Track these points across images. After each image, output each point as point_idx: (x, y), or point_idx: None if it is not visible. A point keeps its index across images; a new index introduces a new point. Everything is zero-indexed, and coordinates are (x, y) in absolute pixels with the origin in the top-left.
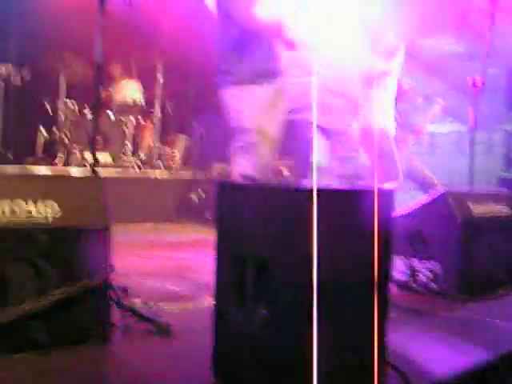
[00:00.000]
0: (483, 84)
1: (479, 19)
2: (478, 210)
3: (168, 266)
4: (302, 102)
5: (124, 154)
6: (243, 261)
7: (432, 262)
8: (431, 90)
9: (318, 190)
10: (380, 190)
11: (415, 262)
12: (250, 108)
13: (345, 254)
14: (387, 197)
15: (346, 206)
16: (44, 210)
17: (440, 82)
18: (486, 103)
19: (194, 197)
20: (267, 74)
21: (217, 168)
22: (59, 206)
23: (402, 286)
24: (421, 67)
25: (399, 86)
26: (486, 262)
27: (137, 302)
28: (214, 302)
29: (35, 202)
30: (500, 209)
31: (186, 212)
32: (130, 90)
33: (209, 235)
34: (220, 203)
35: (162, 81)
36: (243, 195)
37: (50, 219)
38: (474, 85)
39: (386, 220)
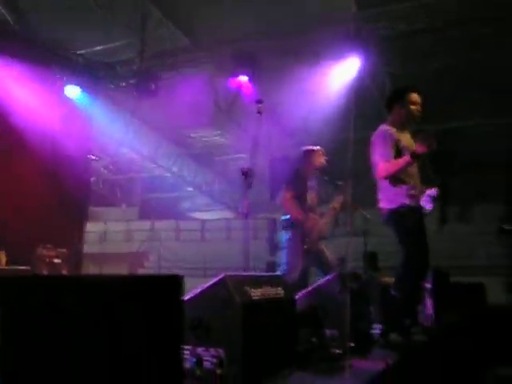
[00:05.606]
0: (252, 174)
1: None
2: (256, 293)
3: None
4: None
5: None
6: None
7: (216, 349)
8: (201, 179)
9: None
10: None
11: (199, 350)
12: None
13: None
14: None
15: None
16: None
17: (209, 171)
18: (253, 192)
19: None
20: None
21: None
22: None
23: (189, 374)
24: (190, 157)
25: None
26: (266, 344)
27: None
28: None
29: None
30: (276, 291)
31: None
32: None
33: None
34: None
35: None
36: None
37: None
38: (243, 174)
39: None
